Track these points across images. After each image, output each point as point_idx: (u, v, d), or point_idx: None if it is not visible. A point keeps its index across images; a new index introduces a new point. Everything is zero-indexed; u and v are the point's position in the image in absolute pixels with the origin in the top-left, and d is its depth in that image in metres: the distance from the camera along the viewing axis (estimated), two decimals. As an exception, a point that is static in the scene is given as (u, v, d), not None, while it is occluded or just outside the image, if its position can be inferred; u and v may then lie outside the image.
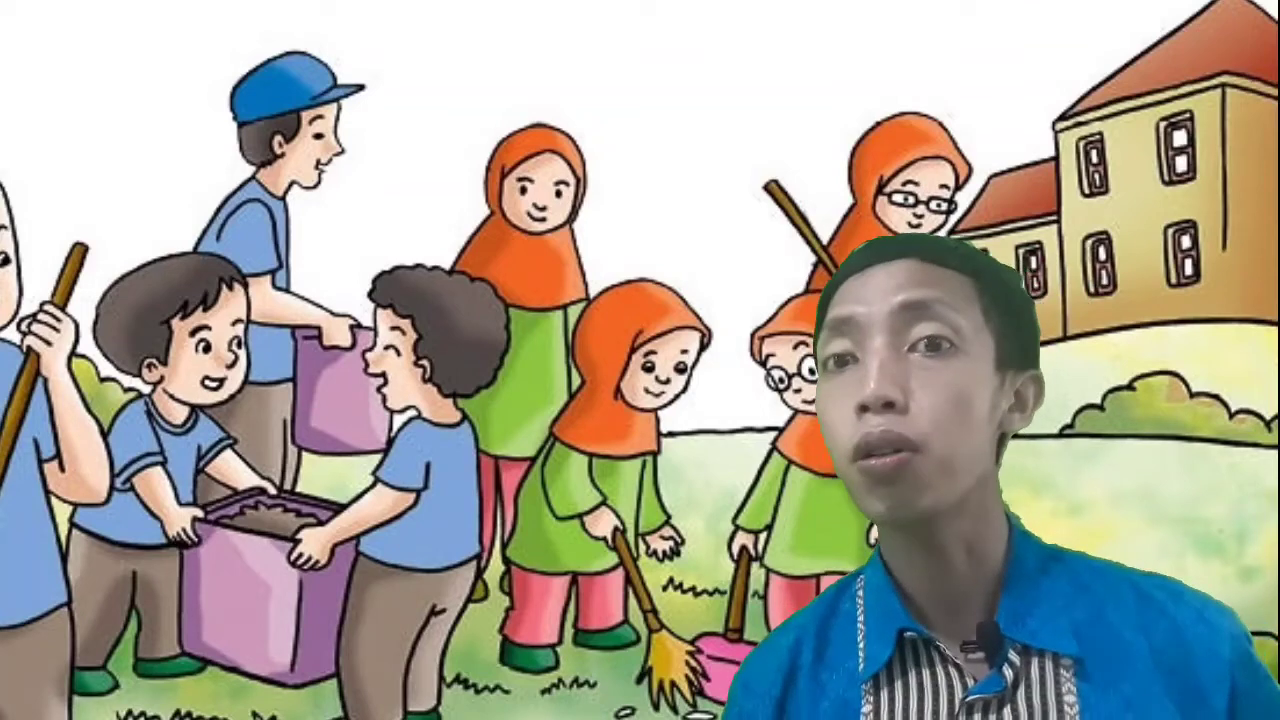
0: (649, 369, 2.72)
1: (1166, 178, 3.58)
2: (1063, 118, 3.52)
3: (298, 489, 2.84)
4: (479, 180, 2.86)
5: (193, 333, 2.52)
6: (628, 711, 2.71)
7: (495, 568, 2.86)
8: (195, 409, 2.61)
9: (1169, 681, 1.02)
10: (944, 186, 2.84)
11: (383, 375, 2.53)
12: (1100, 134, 3.59)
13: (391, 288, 2.53)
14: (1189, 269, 3.57)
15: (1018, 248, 3.75)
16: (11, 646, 2.27)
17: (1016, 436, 1.10)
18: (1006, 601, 1.05)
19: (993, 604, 1.05)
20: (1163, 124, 3.55)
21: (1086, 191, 3.66)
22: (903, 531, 1.06)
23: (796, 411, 2.77)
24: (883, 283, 1.05)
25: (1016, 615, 1.04)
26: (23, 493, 2.25)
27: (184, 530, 2.55)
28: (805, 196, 2.81)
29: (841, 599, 1.14)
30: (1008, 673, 1.02)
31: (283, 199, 2.87)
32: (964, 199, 2.91)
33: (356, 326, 2.81)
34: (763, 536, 2.83)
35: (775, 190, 2.78)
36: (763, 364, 2.76)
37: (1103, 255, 3.66)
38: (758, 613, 2.82)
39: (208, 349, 2.53)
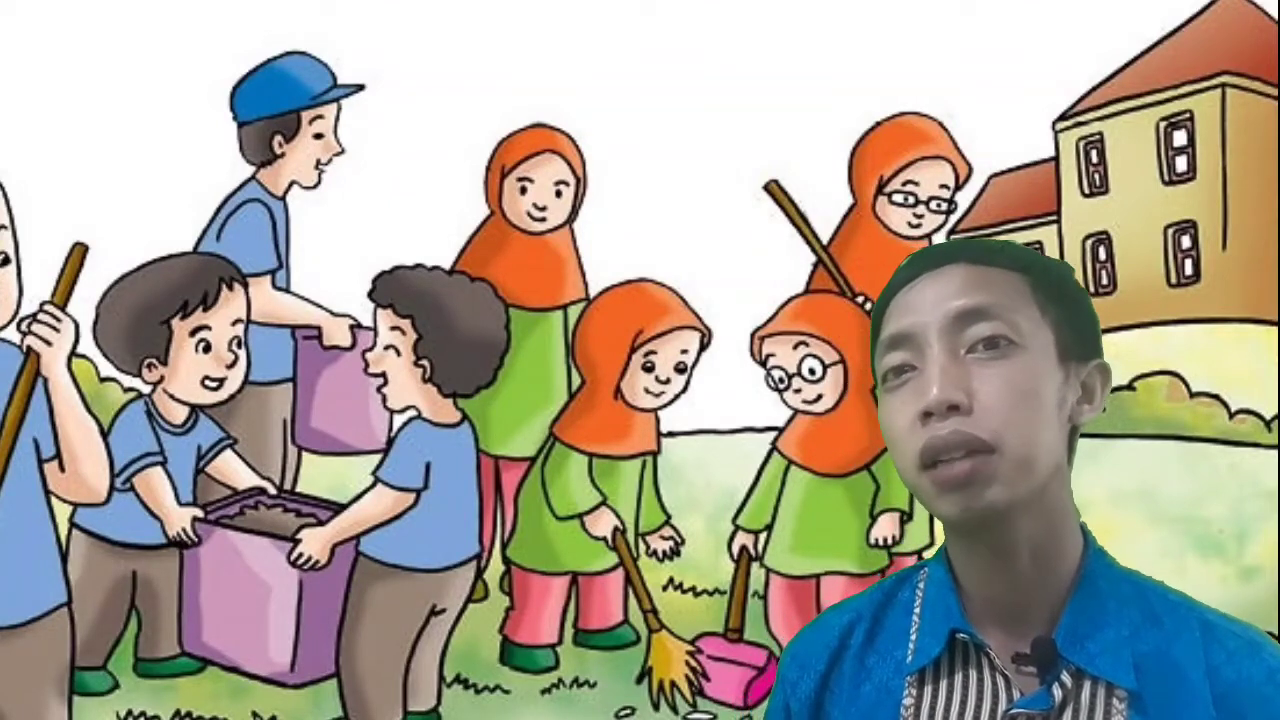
0: (649, 369, 2.72)
1: (1166, 178, 3.57)
2: (1063, 118, 3.52)
3: (298, 489, 2.84)
4: (479, 180, 2.86)
5: (193, 333, 2.52)
6: (628, 711, 2.71)
7: (495, 568, 2.86)
8: (195, 409, 2.61)
9: None
10: (944, 186, 2.84)
11: (383, 375, 2.53)
12: (1100, 134, 3.59)
13: (391, 288, 2.53)
14: (1189, 269, 3.57)
15: (1018, 248, 3.74)
16: (11, 646, 2.26)
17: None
18: (1068, 619, 1.02)
19: (1054, 618, 1.03)
20: (1163, 124, 3.55)
21: (1086, 191, 3.66)
22: (970, 532, 1.04)
23: (796, 411, 2.77)
24: (934, 292, 1.04)
25: (1077, 635, 1.01)
26: (23, 493, 2.25)
27: (184, 530, 2.55)
28: (805, 196, 2.81)
29: (902, 588, 1.14)
30: (1057, 692, 1.00)
31: (283, 199, 2.87)
32: (964, 199, 2.91)
33: (356, 326, 2.81)
34: (763, 536, 2.82)
35: (775, 190, 2.78)
36: (763, 364, 2.75)
37: (1103, 255, 3.66)
38: (758, 613, 2.82)
39: (208, 349, 2.53)
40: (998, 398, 0.99)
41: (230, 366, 2.56)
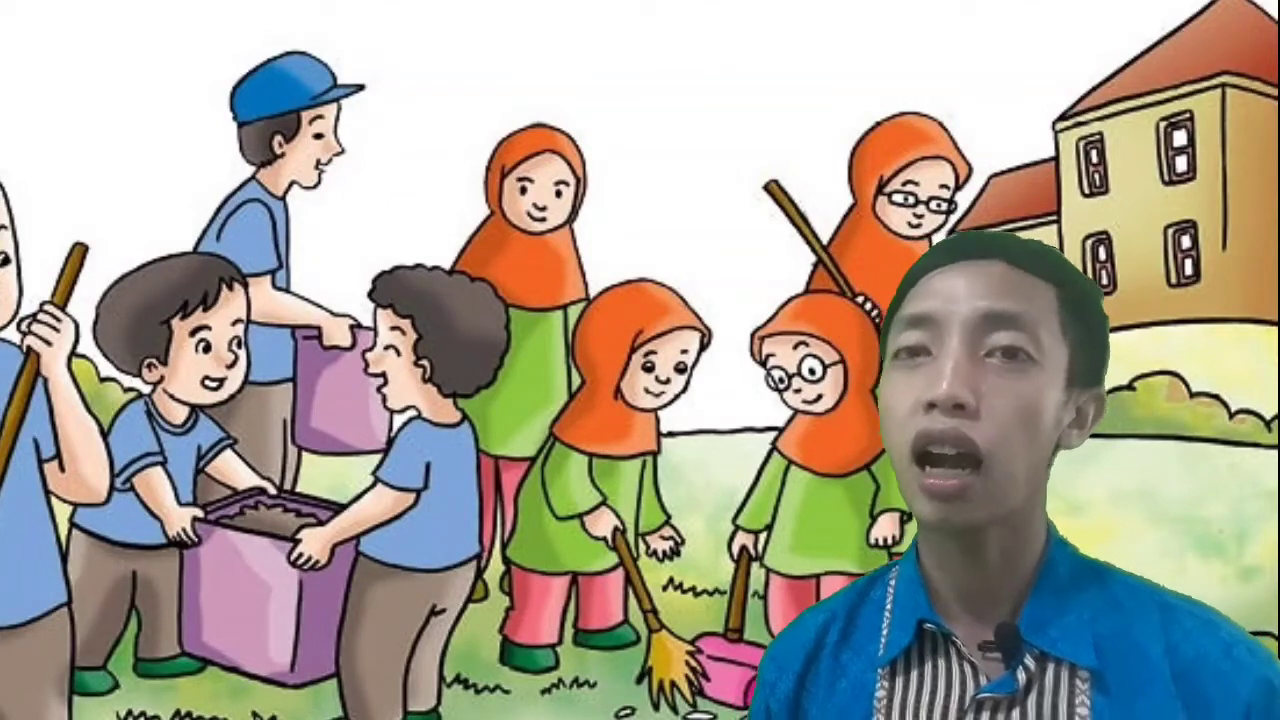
0: (649, 369, 2.72)
1: (1166, 178, 3.57)
2: (1063, 118, 3.52)
3: (298, 489, 2.85)
4: (479, 180, 2.86)
5: (193, 333, 2.52)
6: (628, 711, 2.71)
7: (495, 568, 2.86)
8: (195, 409, 2.61)
9: (1185, 710, 1.01)
10: (944, 186, 2.83)
11: (383, 375, 2.53)
12: (1100, 134, 3.59)
13: (391, 288, 2.53)
14: (1189, 269, 3.57)
15: (1018, 248, 3.74)
16: (11, 646, 2.26)
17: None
18: (1031, 607, 1.05)
19: (1018, 608, 1.05)
20: (1163, 124, 3.55)
21: (1086, 191, 3.66)
22: (945, 535, 1.06)
23: (796, 411, 2.77)
24: (967, 285, 1.04)
25: (1039, 621, 1.04)
26: (23, 493, 2.25)
27: (184, 530, 2.55)
28: (805, 196, 2.81)
29: (874, 587, 1.16)
30: (1021, 676, 1.03)
31: (283, 199, 2.87)
32: (964, 199, 2.91)
33: (356, 326, 2.81)
34: (763, 536, 2.82)
35: (775, 190, 2.78)
36: (763, 364, 2.75)
37: (1103, 255, 3.66)
38: (758, 613, 2.82)
39: (208, 349, 2.53)
40: (1003, 410, 1.00)
41: (230, 366, 2.56)
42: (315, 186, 2.88)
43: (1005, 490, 1.01)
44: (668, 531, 2.88)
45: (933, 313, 1.04)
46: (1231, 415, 3.22)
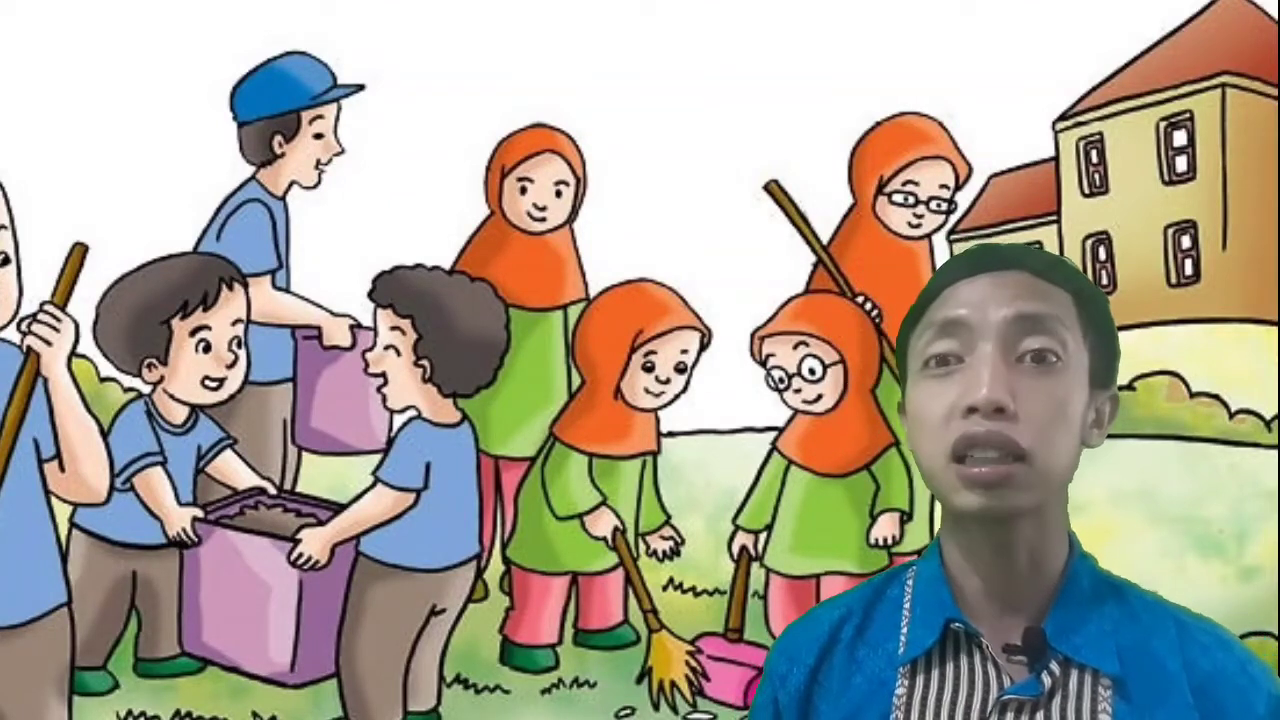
0: (649, 369, 2.72)
1: (1166, 178, 3.57)
2: (1063, 118, 3.51)
3: (298, 489, 2.85)
4: (479, 180, 2.86)
5: (193, 333, 2.52)
6: (628, 711, 2.71)
7: (495, 568, 2.86)
8: (195, 409, 2.61)
9: None
10: (944, 186, 2.83)
11: (383, 375, 2.53)
12: (1100, 134, 3.59)
13: (391, 288, 2.53)
14: (1189, 269, 3.57)
15: (1018, 248, 3.74)
16: (11, 646, 2.26)
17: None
18: (1056, 614, 1.07)
19: (1042, 614, 1.08)
20: (1163, 124, 3.54)
21: (1086, 191, 3.66)
22: (975, 526, 1.08)
23: (796, 411, 2.77)
24: (995, 291, 1.08)
25: (1064, 628, 1.07)
26: (23, 493, 2.25)
27: (184, 530, 2.55)
28: (805, 196, 2.81)
29: (890, 585, 1.17)
30: (1046, 679, 1.05)
31: (283, 199, 2.87)
32: (964, 199, 2.90)
33: (356, 326, 2.81)
34: (763, 536, 2.82)
35: (775, 190, 2.78)
36: (763, 364, 2.75)
37: (1103, 255, 3.66)
38: (758, 613, 2.82)
39: (208, 349, 2.53)
40: (1040, 411, 1.04)
41: (230, 366, 2.56)
42: (315, 186, 2.88)
43: (1047, 478, 1.05)
44: (668, 531, 2.88)
45: (964, 319, 1.07)
46: (1231, 415, 3.22)
